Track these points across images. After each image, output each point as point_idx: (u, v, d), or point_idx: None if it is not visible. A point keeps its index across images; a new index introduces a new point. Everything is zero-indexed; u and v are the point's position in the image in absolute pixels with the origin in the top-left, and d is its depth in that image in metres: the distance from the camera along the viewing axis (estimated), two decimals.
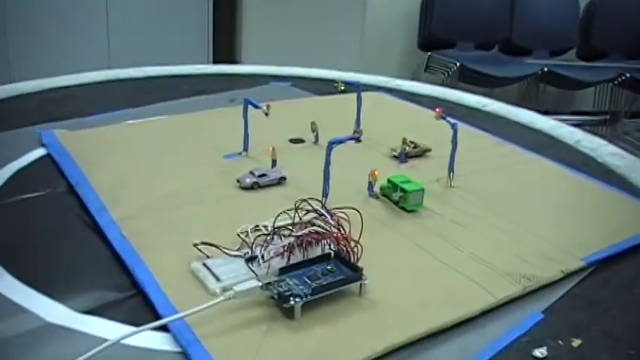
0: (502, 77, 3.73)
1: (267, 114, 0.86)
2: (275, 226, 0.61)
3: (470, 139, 1.04)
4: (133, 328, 0.52)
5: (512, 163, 0.97)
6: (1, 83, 1.22)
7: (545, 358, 0.54)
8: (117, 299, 0.58)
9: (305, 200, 0.64)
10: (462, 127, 1.00)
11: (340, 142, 0.73)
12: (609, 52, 4.21)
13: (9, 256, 0.64)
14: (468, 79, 3.62)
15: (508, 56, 4.06)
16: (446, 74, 3.61)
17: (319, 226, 0.61)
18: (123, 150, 0.93)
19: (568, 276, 0.66)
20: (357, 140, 0.74)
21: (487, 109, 1.30)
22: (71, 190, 0.80)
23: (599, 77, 4.00)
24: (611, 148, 1.08)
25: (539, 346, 0.55)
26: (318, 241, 0.61)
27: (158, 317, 0.54)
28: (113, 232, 0.68)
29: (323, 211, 0.63)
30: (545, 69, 3.78)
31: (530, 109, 1.29)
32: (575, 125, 1.20)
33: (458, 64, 3.59)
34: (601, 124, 4.30)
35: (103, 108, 1.13)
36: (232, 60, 3.61)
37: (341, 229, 0.62)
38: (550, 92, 4.04)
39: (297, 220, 0.62)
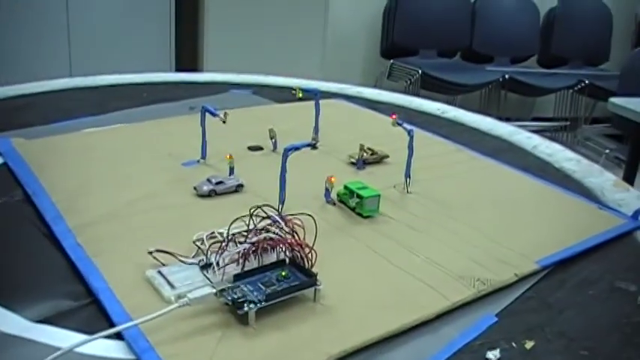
0: (464, 84, 3.77)
1: (224, 121, 0.86)
2: (230, 232, 0.61)
3: (428, 145, 1.05)
4: (87, 337, 0.52)
5: (470, 168, 0.98)
6: None
7: None
8: (72, 308, 0.58)
9: (259, 207, 0.64)
10: (422, 133, 1.01)
11: (296, 148, 0.73)
12: (569, 59, 4.27)
13: None
14: (430, 87, 3.65)
15: (470, 63, 4.11)
16: (408, 81, 3.64)
17: (274, 232, 0.62)
18: (80, 158, 0.92)
19: (523, 279, 0.67)
20: (313, 147, 0.75)
21: (446, 115, 1.31)
22: (28, 198, 0.79)
23: (560, 84, 4.06)
24: (568, 154, 1.09)
25: (493, 348, 0.56)
26: (272, 248, 0.61)
27: (113, 325, 0.54)
28: (68, 240, 0.68)
29: (277, 218, 0.63)
30: (507, 76, 3.83)
31: (492, 115, 1.30)
32: (536, 132, 1.21)
33: (420, 71, 3.62)
34: (561, 130, 4.36)
35: (64, 116, 1.12)
36: (195, 68, 3.60)
37: (295, 235, 0.62)
38: (511, 99, 4.09)
39: (252, 226, 0.63)
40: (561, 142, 1.15)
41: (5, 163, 0.90)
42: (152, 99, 1.27)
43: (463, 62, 4.16)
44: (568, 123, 4.37)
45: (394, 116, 0.85)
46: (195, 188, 0.82)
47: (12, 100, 1.23)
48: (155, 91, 1.35)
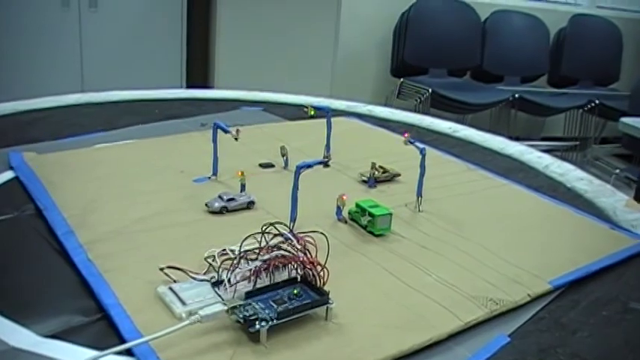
0: (474, 103, 3.77)
1: (236, 138, 0.86)
2: (242, 250, 0.61)
3: (440, 164, 1.04)
4: (97, 353, 0.52)
5: (482, 188, 0.98)
6: None
7: None
8: (82, 323, 0.58)
9: (272, 224, 0.64)
10: (433, 152, 1.01)
11: (308, 166, 0.73)
12: (579, 79, 4.27)
13: None
14: (440, 106, 3.65)
15: (480, 83, 4.11)
16: (418, 100, 3.64)
17: (286, 250, 0.61)
18: (91, 174, 0.92)
19: (535, 299, 0.67)
20: (326, 165, 0.75)
21: (457, 134, 1.31)
22: (39, 213, 0.79)
23: (569, 104, 4.05)
24: (579, 173, 1.09)
25: None
26: (284, 265, 0.61)
27: (123, 341, 0.54)
28: (80, 256, 0.68)
29: (289, 235, 0.63)
30: (517, 95, 3.82)
31: (501, 135, 1.30)
32: (546, 151, 1.21)
33: (430, 90, 3.62)
34: (571, 149, 4.35)
35: (75, 131, 1.12)
36: (205, 85, 3.61)
37: (307, 253, 0.62)
38: (521, 118, 4.08)
39: (263, 244, 0.62)
40: (571, 162, 1.15)
41: (17, 178, 0.90)
42: (163, 115, 1.27)
43: (473, 81, 4.16)
44: (578, 143, 4.36)
45: (406, 135, 0.85)
46: (206, 205, 0.81)
47: (24, 115, 1.23)
48: (166, 107, 1.35)
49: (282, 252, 0.61)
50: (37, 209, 0.80)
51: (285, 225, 0.65)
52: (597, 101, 3.99)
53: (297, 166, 0.73)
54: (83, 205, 0.81)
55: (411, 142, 0.85)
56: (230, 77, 3.46)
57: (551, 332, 0.62)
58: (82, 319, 0.58)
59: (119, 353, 0.53)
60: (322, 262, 0.61)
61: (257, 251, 0.61)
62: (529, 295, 0.66)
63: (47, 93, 1.36)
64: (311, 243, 0.64)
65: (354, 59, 4.04)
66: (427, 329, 0.59)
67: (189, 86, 3.46)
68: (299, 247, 0.62)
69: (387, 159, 0.99)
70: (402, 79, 3.86)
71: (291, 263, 0.61)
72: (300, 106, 1.35)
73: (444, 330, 0.59)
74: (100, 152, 1.02)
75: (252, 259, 0.60)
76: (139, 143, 1.07)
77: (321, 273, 0.60)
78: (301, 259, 0.60)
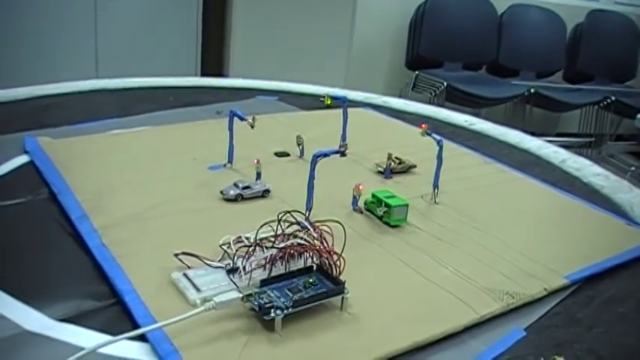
0: (489, 98, 3.75)
1: (252, 126, 0.85)
2: (257, 237, 0.61)
3: (456, 157, 1.04)
4: (110, 337, 0.52)
5: (498, 181, 0.97)
6: None
7: None
8: (95, 308, 0.58)
9: (288, 212, 0.63)
10: (449, 145, 1.00)
11: (325, 155, 0.72)
12: (595, 75, 4.24)
13: None
14: (455, 99, 3.63)
15: (495, 77, 4.08)
16: (433, 94, 3.62)
17: (302, 238, 0.61)
18: (106, 159, 0.92)
19: (551, 294, 0.66)
20: (342, 154, 0.74)
21: (474, 127, 1.30)
22: (53, 197, 0.79)
23: (585, 100, 4.03)
24: (596, 169, 1.08)
25: None
26: (300, 254, 0.60)
27: (137, 327, 0.54)
28: (94, 241, 0.67)
29: (306, 224, 0.63)
30: (532, 90, 3.80)
31: (516, 129, 1.29)
32: (561, 147, 1.20)
33: (445, 83, 3.60)
34: (586, 146, 4.33)
35: (91, 117, 1.12)
36: (220, 73, 3.61)
37: (324, 241, 0.61)
38: (536, 114, 4.06)
39: (279, 232, 0.62)
40: (585, 158, 1.14)
41: (31, 162, 0.89)
42: (178, 103, 1.27)
43: (488, 76, 4.14)
44: (593, 139, 4.33)
45: (424, 126, 0.84)
46: (221, 192, 0.81)
47: (39, 100, 1.23)
48: (181, 95, 1.35)
49: (299, 240, 0.60)
50: (52, 193, 0.80)
51: (302, 213, 0.64)
52: (613, 98, 3.96)
53: (313, 155, 0.72)
54: (97, 190, 0.80)
55: (429, 134, 0.84)
56: (245, 67, 3.46)
57: (567, 327, 0.62)
58: (95, 303, 0.58)
59: (132, 339, 0.52)
60: (338, 252, 0.60)
61: (273, 239, 0.61)
62: (545, 289, 0.66)
63: (62, 79, 1.36)
64: (327, 232, 0.63)
65: (369, 51, 4.02)
66: (442, 321, 0.58)
67: (204, 74, 3.46)
68: (315, 235, 0.61)
69: (402, 150, 0.98)
70: (417, 72, 3.84)
71: (307, 252, 0.60)
72: (316, 97, 1.35)
73: (459, 322, 0.59)
74: (114, 138, 1.01)
75: (267, 247, 0.60)
76: (154, 130, 1.07)
77: (338, 262, 0.60)
78: (317, 247, 0.60)
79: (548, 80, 4.17)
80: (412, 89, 3.81)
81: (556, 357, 0.56)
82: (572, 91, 4.09)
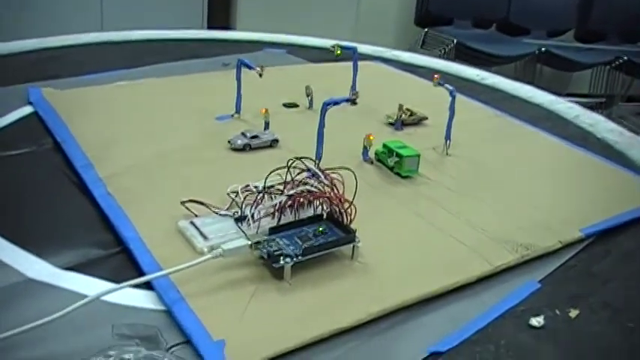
0: (499, 56, 3.71)
1: (261, 74, 0.84)
2: (266, 185, 0.59)
3: (467, 110, 1.02)
4: (115, 285, 0.51)
5: (510, 135, 0.95)
6: None
7: (542, 327, 0.53)
8: (100, 256, 0.57)
9: (298, 159, 0.62)
10: (460, 97, 0.98)
11: (336, 103, 0.71)
12: (607, 35, 4.19)
13: None
14: (465, 57, 3.59)
15: (505, 35, 4.04)
16: (442, 51, 3.59)
17: (312, 185, 0.59)
18: (112, 110, 0.90)
19: (566, 247, 0.65)
20: (353, 102, 0.72)
21: (485, 82, 1.28)
22: (57, 147, 0.78)
23: (596, 60, 3.98)
24: (610, 125, 1.06)
25: (536, 315, 0.54)
26: (310, 202, 0.59)
27: (142, 275, 0.53)
28: (99, 189, 0.66)
29: (317, 171, 0.61)
30: (543, 49, 3.76)
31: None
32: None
33: (455, 41, 3.56)
34: (597, 107, 4.29)
35: (96, 69, 1.10)
36: (227, 26, 3.57)
37: (334, 189, 0.60)
38: (546, 73, 4.02)
39: (289, 179, 0.60)
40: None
41: (35, 113, 0.88)
42: (185, 55, 1.25)
43: (499, 34, 4.09)
44: (603, 100, 4.30)
45: (437, 76, 0.82)
46: (229, 142, 0.80)
47: (43, 52, 1.22)
48: (188, 47, 1.33)
49: (309, 187, 0.59)
50: (56, 144, 0.79)
51: (312, 160, 0.63)
52: (625, 58, 3.91)
53: (324, 103, 0.71)
54: (103, 140, 0.79)
55: (441, 84, 0.82)
56: (252, 20, 3.42)
57: (582, 281, 0.61)
58: (100, 252, 0.57)
59: (138, 287, 0.51)
60: (350, 200, 0.59)
61: (281, 187, 0.59)
62: (560, 242, 0.64)
63: (67, 31, 1.35)
64: (338, 180, 0.62)
65: (377, 7, 3.97)
66: (455, 272, 0.57)
67: (210, 27, 3.42)
68: (326, 182, 0.60)
69: (413, 102, 0.96)
70: (426, 29, 3.80)
71: (317, 199, 0.59)
72: (324, 50, 1.32)
73: (472, 274, 0.57)
74: (120, 89, 1.00)
75: (276, 195, 0.59)
76: (160, 81, 1.05)
77: (349, 210, 0.58)
78: (328, 195, 0.58)
79: (559, 39, 4.13)
80: (421, 46, 3.77)
81: (571, 309, 0.55)
82: (583, 50, 4.05)
